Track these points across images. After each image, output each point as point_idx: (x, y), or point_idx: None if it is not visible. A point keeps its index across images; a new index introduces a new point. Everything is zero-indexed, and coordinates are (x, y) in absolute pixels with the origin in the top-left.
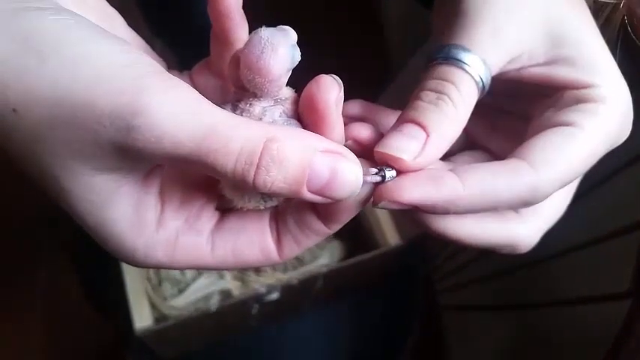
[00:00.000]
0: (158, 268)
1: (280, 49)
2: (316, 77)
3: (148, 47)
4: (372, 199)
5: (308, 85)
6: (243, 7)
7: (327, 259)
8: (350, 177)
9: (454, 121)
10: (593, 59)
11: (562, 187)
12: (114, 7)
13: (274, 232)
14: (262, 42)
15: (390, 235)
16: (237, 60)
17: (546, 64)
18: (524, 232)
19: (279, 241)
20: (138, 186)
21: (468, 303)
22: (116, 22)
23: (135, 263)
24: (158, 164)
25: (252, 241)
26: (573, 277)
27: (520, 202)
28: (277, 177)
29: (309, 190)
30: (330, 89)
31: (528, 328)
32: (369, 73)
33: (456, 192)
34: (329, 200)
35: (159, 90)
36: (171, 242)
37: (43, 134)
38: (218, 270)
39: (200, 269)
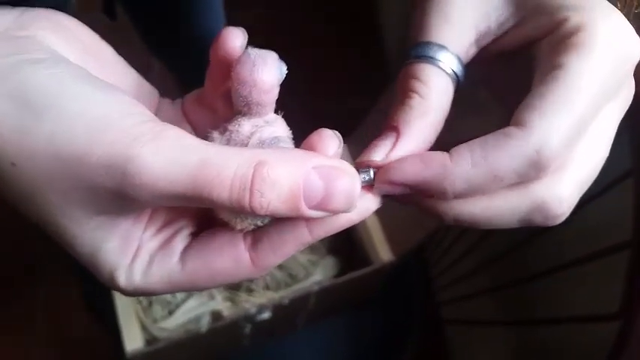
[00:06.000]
0: (137, 293)
1: (269, 60)
2: (318, 130)
3: (140, 78)
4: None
5: (310, 135)
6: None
7: (320, 275)
8: (346, 187)
9: (424, 113)
10: None
11: (570, 133)
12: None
13: (248, 239)
14: (252, 57)
15: (383, 252)
16: (227, 90)
17: (519, 24)
18: (548, 190)
19: (253, 247)
20: (131, 219)
21: (468, 318)
22: (109, 55)
23: (121, 290)
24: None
25: (222, 248)
26: (570, 293)
27: (526, 166)
28: (272, 197)
29: (308, 207)
30: (331, 142)
31: (528, 343)
32: (368, 74)
33: (444, 165)
34: (330, 214)
35: (150, 137)
36: (145, 263)
37: (41, 187)
38: (194, 290)
39: (175, 290)
